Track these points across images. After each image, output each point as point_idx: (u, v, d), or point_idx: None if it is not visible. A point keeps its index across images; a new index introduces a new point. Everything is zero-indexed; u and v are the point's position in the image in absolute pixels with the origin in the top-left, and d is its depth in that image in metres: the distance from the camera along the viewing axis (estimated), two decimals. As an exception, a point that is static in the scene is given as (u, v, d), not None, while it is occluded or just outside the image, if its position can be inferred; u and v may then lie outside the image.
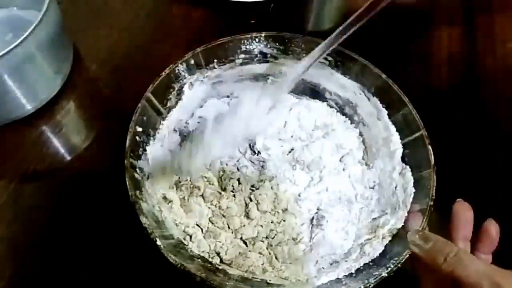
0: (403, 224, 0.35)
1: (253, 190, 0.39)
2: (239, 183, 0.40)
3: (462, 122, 0.50)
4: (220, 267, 0.35)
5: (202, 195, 0.39)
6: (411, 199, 0.36)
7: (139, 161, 0.36)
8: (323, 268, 0.36)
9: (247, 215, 0.38)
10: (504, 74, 0.54)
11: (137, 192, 0.33)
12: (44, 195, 0.42)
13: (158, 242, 0.30)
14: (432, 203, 0.33)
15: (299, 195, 0.40)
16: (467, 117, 0.50)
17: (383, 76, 0.39)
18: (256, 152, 0.41)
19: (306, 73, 0.39)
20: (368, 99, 0.41)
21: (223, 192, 0.39)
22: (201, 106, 0.43)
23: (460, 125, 0.49)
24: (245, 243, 0.37)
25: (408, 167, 0.37)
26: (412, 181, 0.36)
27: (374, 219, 0.38)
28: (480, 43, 0.57)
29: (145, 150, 0.37)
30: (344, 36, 0.35)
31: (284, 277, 0.35)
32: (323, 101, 0.45)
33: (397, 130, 0.39)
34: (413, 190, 0.36)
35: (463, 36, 0.57)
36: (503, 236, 0.32)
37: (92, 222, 0.40)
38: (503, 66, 0.55)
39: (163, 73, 0.38)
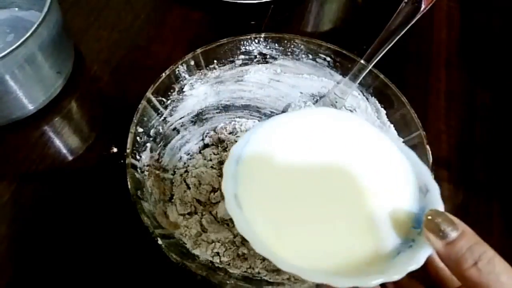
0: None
1: None
2: None
3: (463, 121, 0.50)
4: (221, 266, 0.35)
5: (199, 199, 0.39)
6: None
7: (140, 161, 0.36)
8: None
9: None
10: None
11: (138, 192, 0.33)
12: (45, 195, 0.42)
13: (159, 242, 0.31)
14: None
15: None
16: (467, 116, 0.50)
17: (381, 76, 0.39)
18: None
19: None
20: (367, 99, 0.41)
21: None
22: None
23: (461, 125, 0.50)
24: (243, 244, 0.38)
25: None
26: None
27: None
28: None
29: (145, 150, 0.37)
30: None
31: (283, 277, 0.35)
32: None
33: (395, 130, 0.39)
34: None
35: (462, 37, 0.58)
36: (508, 236, 0.32)
37: (93, 221, 0.40)
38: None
39: (164, 74, 0.38)
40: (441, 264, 0.24)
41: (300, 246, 0.24)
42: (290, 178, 0.26)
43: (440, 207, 0.23)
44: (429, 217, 0.22)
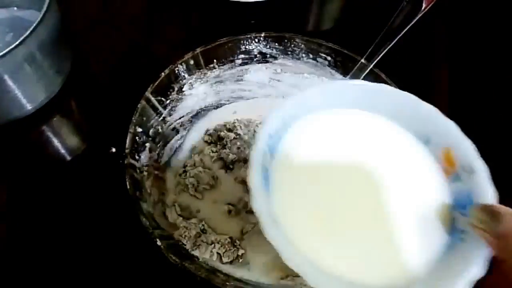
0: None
1: None
2: None
3: (465, 121, 0.50)
4: (220, 267, 0.35)
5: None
6: None
7: (139, 161, 0.36)
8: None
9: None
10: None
11: (137, 192, 0.33)
12: (44, 195, 0.42)
13: (158, 242, 0.30)
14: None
15: None
16: (470, 116, 0.50)
17: (383, 75, 0.39)
18: None
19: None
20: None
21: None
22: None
23: (463, 125, 0.49)
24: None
25: None
26: None
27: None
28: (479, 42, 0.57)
29: (145, 150, 0.37)
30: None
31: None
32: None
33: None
34: None
35: (464, 36, 0.57)
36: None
37: (92, 222, 0.40)
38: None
39: (163, 73, 0.38)
40: None
41: (342, 259, 0.22)
42: (326, 186, 0.25)
43: (488, 192, 0.22)
44: (473, 216, 0.21)
